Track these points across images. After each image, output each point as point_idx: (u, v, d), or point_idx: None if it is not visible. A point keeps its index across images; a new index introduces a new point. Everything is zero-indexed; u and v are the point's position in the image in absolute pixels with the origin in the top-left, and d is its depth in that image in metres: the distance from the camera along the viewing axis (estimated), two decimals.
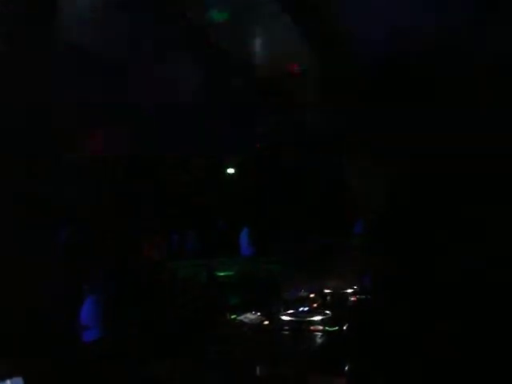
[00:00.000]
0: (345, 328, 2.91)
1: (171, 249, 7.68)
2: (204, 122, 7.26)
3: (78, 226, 6.10)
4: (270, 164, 7.96)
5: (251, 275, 4.92)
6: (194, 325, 3.11)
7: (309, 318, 2.98)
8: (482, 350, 3.39)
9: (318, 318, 2.98)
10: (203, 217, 8.22)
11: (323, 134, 7.02)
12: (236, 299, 3.98)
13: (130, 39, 5.15)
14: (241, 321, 2.95)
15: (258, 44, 5.73)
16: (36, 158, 3.12)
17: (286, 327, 2.92)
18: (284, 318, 3.02)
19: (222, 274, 4.93)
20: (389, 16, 5.28)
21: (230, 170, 8.83)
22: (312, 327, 2.90)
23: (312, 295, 3.60)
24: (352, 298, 3.61)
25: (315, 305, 3.36)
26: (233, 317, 3.02)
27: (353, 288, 3.80)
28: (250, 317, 2.98)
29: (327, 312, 3.06)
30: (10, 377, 2.30)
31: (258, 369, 2.50)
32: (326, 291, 3.70)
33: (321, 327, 2.89)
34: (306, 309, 3.21)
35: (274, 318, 3.02)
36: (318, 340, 2.81)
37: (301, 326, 2.91)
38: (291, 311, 3.12)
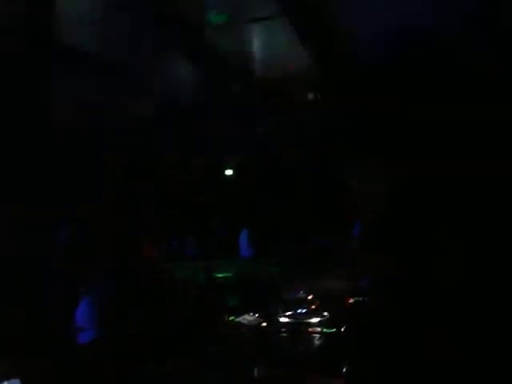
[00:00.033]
0: (343, 329, 2.91)
1: (170, 250, 7.67)
2: (203, 123, 7.25)
3: (78, 226, 6.10)
4: (269, 164, 7.96)
5: (250, 277, 4.91)
6: (192, 325, 3.11)
7: (307, 320, 2.98)
8: (482, 350, 3.38)
9: (316, 319, 2.99)
10: (202, 218, 8.22)
11: (323, 134, 7.02)
12: (234, 301, 3.97)
13: (129, 40, 5.16)
14: (239, 322, 2.95)
15: (257, 45, 5.72)
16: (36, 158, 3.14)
17: (284, 329, 2.92)
18: (282, 319, 3.02)
19: (220, 275, 4.92)
20: (388, 16, 5.28)
21: (230, 171, 8.82)
22: (310, 329, 2.90)
23: (310, 297, 3.60)
24: (350, 300, 3.60)
25: (313, 306, 3.36)
26: (231, 318, 3.02)
27: (351, 290, 3.80)
28: (249, 318, 2.98)
29: (325, 314, 3.06)
30: (7, 378, 2.30)
31: (256, 370, 2.50)
32: (325, 293, 3.70)
33: (319, 329, 2.89)
34: (304, 310, 3.21)
35: (272, 319, 3.02)
36: (316, 341, 2.81)
37: (299, 328, 2.91)
38: (289, 313, 3.12)
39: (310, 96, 7.13)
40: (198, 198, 8.40)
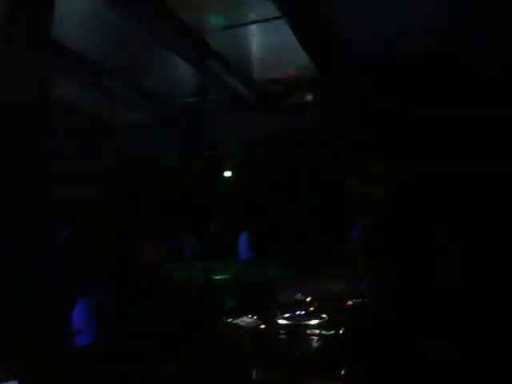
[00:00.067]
0: (341, 332, 2.91)
1: (169, 251, 7.67)
2: (203, 123, 7.25)
3: (77, 226, 6.12)
4: (269, 165, 7.95)
5: (248, 279, 4.91)
6: (192, 325, 3.11)
7: (305, 322, 2.98)
8: (483, 353, 3.38)
9: (314, 321, 2.98)
10: (202, 219, 8.21)
11: (323, 134, 7.00)
12: (233, 302, 3.97)
13: (129, 41, 5.16)
14: (237, 324, 2.95)
15: (257, 46, 5.71)
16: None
17: (283, 331, 2.92)
18: (280, 321, 3.02)
19: (218, 277, 4.92)
20: (388, 16, 5.26)
21: (230, 172, 8.80)
22: (309, 331, 2.90)
23: (309, 299, 3.59)
24: (349, 302, 3.60)
25: (312, 308, 3.35)
26: (229, 320, 3.01)
27: (350, 292, 3.80)
28: (247, 320, 2.97)
29: (323, 316, 3.06)
30: (5, 380, 2.30)
31: (254, 372, 2.50)
32: (323, 295, 3.70)
33: (317, 331, 2.88)
34: (302, 312, 3.21)
35: (270, 321, 3.02)
36: (315, 344, 2.81)
37: (297, 330, 2.91)
38: (288, 315, 3.11)
39: (310, 96, 7.11)
40: (197, 198, 8.40)
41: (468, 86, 5.99)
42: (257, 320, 2.97)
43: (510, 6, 5.00)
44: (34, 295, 3.06)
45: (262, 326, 2.92)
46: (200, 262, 6.00)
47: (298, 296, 3.66)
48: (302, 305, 3.41)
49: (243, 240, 7.32)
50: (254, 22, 4.98)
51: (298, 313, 3.17)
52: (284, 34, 5.18)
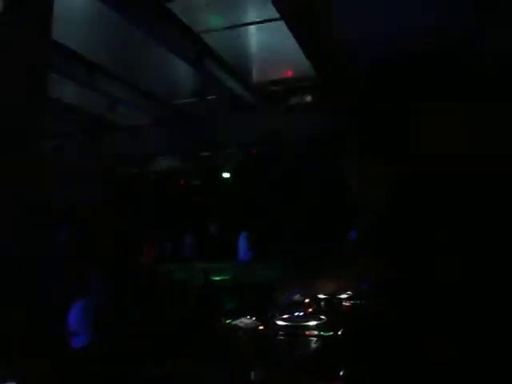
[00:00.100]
0: (340, 333, 2.91)
1: (169, 251, 7.68)
2: (202, 123, 7.26)
3: (78, 226, 6.13)
4: (269, 165, 7.95)
5: (248, 280, 4.91)
6: (189, 326, 3.11)
7: (304, 323, 2.98)
8: (484, 353, 3.38)
9: (313, 322, 2.98)
10: (201, 220, 8.21)
11: (323, 134, 7.01)
12: (232, 303, 3.97)
13: (128, 41, 5.17)
14: (236, 325, 2.95)
15: (256, 47, 5.72)
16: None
17: (281, 332, 2.92)
18: (279, 322, 3.02)
19: (218, 278, 4.92)
20: (388, 16, 5.26)
21: (229, 172, 8.81)
22: (307, 332, 2.90)
23: (307, 300, 3.60)
24: (348, 303, 3.60)
25: (310, 309, 3.36)
26: (228, 321, 3.02)
27: (348, 293, 3.80)
28: (245, 321, 2.98)
29: (322, 317, 3.06)
30: (3, 381, 2.31)
31: (253, 373, 2.50)
32: (322, 296, 3.70)
33: (316, 332, 2.88)
34: (301, 313, 3.21)
35: (269, 322, 3.02)
36: (313, 345, 2.81)
37: (296, 331, 2.91)
38: (286, 316, 3.12)
39: (310, 96, 7.12)
40: (197, 199, 8.40)
41: (468, 86, 5.98)
42: (255, 321, 2.97)
43: (510, 6, 5.00)
44: (33, 295, 3.06)
45: (261, 327, 2.93)
46: (200, 263, 6.00)
47: (297, 297, 3.67)
48: (300, 306, 3.42)
49: (243, 241, 7.32)
50: (253, 23, 4.98)
51: (296, 314, 3.17)
52: (284, 34, 5.19)
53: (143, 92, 6.95)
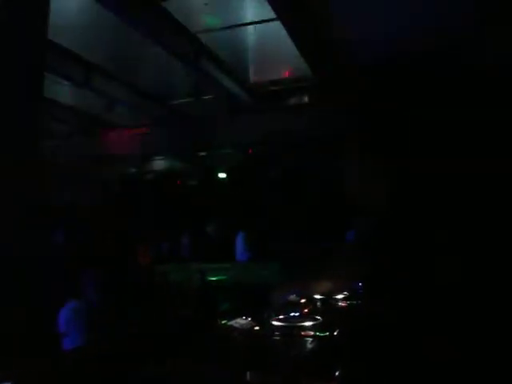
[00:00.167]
0: (336, 333, 2.91)
1: (167, 252, 7.69)
2: (200, 123, 7.26)
3: (77, 226, 6.14)
4: (268, 165, 7.96)
5: (245, 280, 4.91)
6: (186, 326, 3.11)
7: (300, 324, 2.98)
8: (484, 352, 3.37)
9: (308, 323, 2.98)
10: (199, 220, 8.21)
11: (323, 134, 7.01)
12: (228, 304, 3.98)
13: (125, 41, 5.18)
14: (231, 326, 2.95)
15: (256, 47, 5.72)
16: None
17: (277, 332, 2.92)
18: (275, 323, 3.02)
19: (214, 278, 4.92)
20: (388, 16, 5.25)
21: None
22: (303, 332, 2.89)
23: (303, 300, 3.60)
24: (342, 304, 3.60)
25: (306, 310, 3.36)
26: (223, 322, 3.02)
27: (345, 293, 3.80)
28: (241, 322, 2.98)
29: (318, 317, 3.06)
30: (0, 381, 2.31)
31: (248, 374, 2.50)
32: (318, 297, 3.70)
33: (312, 332, 2.88)
34: (297, 314, 3.21)
35: (264, 323, 3.02)
36: (309, 345, 2.81)
37: (292, 331, 2.91)
38: (282, 316, 3.11)
39: (310, 96, 7.12)
40: (194, 199, 8.41)
41: (468, 86, 5.97)
42: (251, 321, 2.97)
43: (510, 6, 4.99)
44: (32, 295, 3.06)
45: (257, 328, 2.93)
46: (197, 263, 6.00)
47: (293, 297, 3.67)
48: (296, 306, 3.42)
49: (240, 241, 7.31)
50: (251, 23, 4.98)
51: (292, 314, 3.17)
52: (282, 34, 5.19)
53: (140, 92, 6.96)
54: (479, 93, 5.89)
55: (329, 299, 3.67)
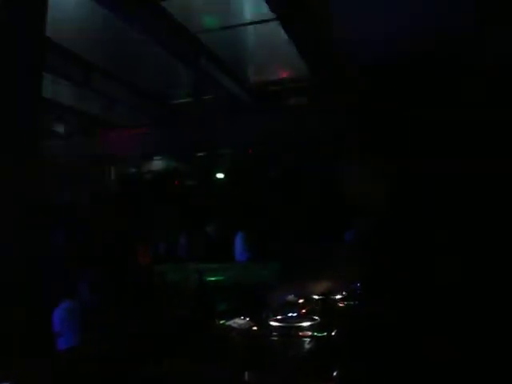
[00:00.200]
0: (334, 333, 2.91)
1: (165, 252, 7.69)
2: (200, 123, 7.26)
3: (77, 227, 6.14)
4: (268, 165, 7.97)
5: (243, 280, 4.92)
6: (184, 327, 3.12)
7: (298, 324, 2.99)
8: (484, 352, 3.37)
9: (306, 323, 2.99)
10: (198, 220, 8.22)
11: (323, 134, 7.01)
12: (226, 304, 3.98)
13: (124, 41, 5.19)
14: (229, 326, 2.96)
15: (255, 47, 5.72)
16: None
17: (275, 333, 2.93)
18: (273, 323, 3.03)
19: (213, 278, 4.93)
20: (388, 16, 5.25)
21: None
22: (301, 333, 2.90)
23: (301, 300, 3.60)
24: (341, 304, 3.61)
25: (304, 310, 3.36)
26: (222, 322, 3.03)
27: (342, 293, 3.80)
28: (239, 322, 2.98)
29: (316, 318, 3.06)
30: None
31: (246, 374, 2.51)
32: (316, 297, 3.70)
33: (310, 333, 2.89)
34: (294, 314, 3.21)
35: (263, 323, 3.03)
36: (307, 345, 2.81)
37: (290, 332, 2.92)
38: (280, 317, 3.12)
39: (309, 96, 7.12)
40: (194, 199, 8.41)
41: (468, 86, 5.96)
42: (249, 322, 2.98)
43: (510, 6, 4.98)
44: (32, 295, 3.07)
45: (255, 328, 2.93)
46: (196, 264, 6.01)
47: (291, 297, 3.68)
48: (294, 306, 3.42)
49: (239, 241, 7.31)
50: (251, 23, 4.99)
51: (290, 314, 3.18)
52: (282, 34, 5.19)
53: (140, 92, 6.97)
54: (479, 93, 5.88)
55: (327, 299, 3.67)
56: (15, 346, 2.80)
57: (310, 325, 2.98)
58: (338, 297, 3.75)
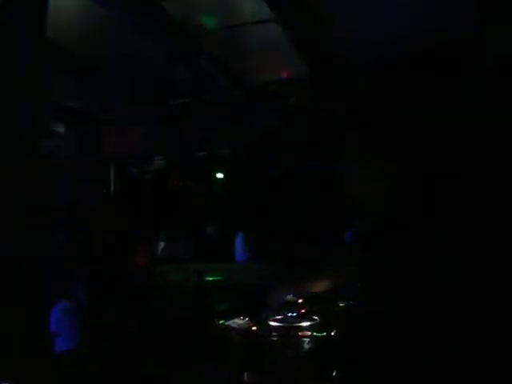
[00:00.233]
0: (333, 333, 2.92)
1: (165, 252, 7.70)
2: (199, 123, 7.26)
3: (77, 227, 6.14)
4: (268, 165, 7.96)
5: (243, 280, 4.92)
6: (183, 327, 3.12)
7: (297, 324, 2.99)
8: (484, 352, 3.37)
9: (306, 323, 2.99)
10: (198, 220, 8.23)
11: (323, 134, 7.01)
12: (225, 304, 3.98)
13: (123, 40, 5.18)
14: (229, 326, 2.97)
15: (255, 47, 5.73)
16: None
17: (275, 333, 2.93)
18: (272, 323, 3.03)
19: (213, 278, 4.93)
20: (388, 16, 5.25)
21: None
22: (300, 333, 2.91)
23: (301, 300, 3.60)
24: (340, 304, 3.61)
25: (303, 310, 3.36)
26: (221, 322, 3.03)
27: (342, 293, 3.81)
28: (238, 322, 2.99)
29: (315, 318, 3.07)
30: None
31: (246, 374, 2.51)
32: (316, 297, 3.71)
33: (309, 333, 2.90)
34: (294, 314, 3.22)
35: (262, 323, 3.03)
36: (306, 346, 2.82)
37: (289, 332, 2.92)
38: (279, 317, 3.13)
39: (309, 96, 7.11)
40: (193, 199, 8.41)
41: (468, 86, 5.96)
42: (248, 322, 2.99)
43: (510, 6, 4.98)
44: (32, 295, 3.07)
45: (254, 328, 2.94)
46: (195, 264, 6.01)
47: (290, 297, 3.68)
48: (294, 306, 3.42)
49: (240, 242, 7.32)
50: (251, 23, 4.99)
51: (289, 314, 3.18)
52: (283, 34, 5.20)
53: (140, 92, 6.97)
54: (479, 93, 5.88)
55: (327, 299, 3.68)
56: (15, 345, 2.80)
57: (310, 325, 2.99)
58: (338, 297, 3.76)
